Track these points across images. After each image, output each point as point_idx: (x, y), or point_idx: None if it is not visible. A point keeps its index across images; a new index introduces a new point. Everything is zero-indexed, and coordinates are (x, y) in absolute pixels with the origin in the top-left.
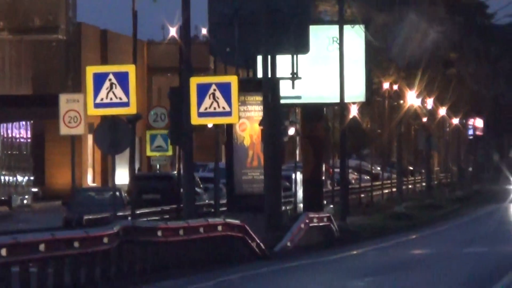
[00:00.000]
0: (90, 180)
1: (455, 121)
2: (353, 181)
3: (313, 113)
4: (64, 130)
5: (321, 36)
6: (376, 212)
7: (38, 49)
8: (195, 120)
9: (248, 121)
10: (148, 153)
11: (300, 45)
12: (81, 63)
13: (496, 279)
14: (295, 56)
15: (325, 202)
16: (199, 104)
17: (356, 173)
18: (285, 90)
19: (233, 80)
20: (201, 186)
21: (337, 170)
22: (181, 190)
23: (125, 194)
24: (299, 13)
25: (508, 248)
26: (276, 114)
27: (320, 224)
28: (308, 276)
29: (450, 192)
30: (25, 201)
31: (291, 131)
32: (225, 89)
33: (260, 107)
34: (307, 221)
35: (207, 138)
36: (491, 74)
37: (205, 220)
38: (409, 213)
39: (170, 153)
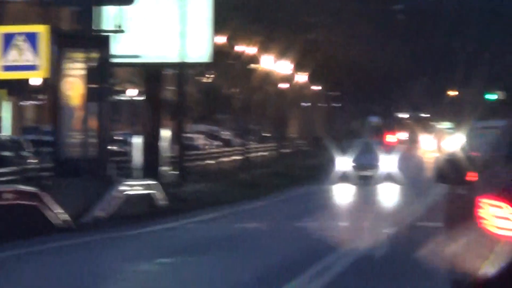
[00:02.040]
0: None
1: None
2: (202, 147)
3: (153, 74)
4: None
5: None
6: (223, 179)
7: None
8: None
9: (76, 80)
10: None
11: None
12: None
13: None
14: (119, 8)
15: (167, 168)
16: (4, 56)
17: (207, 139)
18: (123, 48)
19: (42, 30)
20: (31, 149)
21: (188, 135)
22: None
23: None
24: None
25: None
26: (101, 72)
27: (140, 192)
28: (99, 253)
29: (303, 160)
30: None
31: (133, 92)
32: (32, 39)
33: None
34: (123, 188)
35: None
36: (347, 38)
37: None
38: (255, 181)
39: None
